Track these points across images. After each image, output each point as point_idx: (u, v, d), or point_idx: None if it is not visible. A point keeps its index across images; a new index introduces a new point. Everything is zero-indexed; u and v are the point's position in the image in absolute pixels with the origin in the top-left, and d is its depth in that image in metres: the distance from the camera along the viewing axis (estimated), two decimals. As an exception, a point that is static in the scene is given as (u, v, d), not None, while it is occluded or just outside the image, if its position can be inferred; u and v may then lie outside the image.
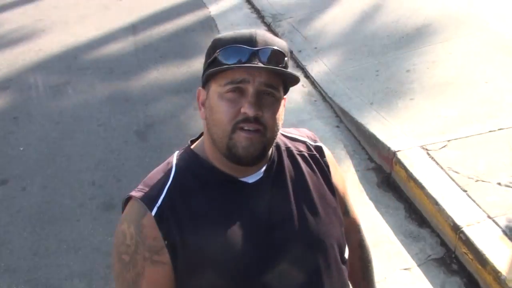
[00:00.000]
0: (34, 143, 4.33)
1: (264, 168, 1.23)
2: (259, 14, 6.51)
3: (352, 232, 1.46)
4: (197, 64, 5.36)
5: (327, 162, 1.35)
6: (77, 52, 5.94)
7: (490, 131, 3.44)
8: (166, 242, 1.13)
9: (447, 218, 2.82)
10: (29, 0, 7.89)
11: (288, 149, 1.31)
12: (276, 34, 5.84)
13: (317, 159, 1.34)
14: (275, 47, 1.14)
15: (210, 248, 1.15)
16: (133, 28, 6.49)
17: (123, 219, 1.18)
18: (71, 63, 5.70)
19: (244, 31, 1.16)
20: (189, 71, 5.24)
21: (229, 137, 1.13)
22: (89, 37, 6.33)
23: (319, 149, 1.37)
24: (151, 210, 1.14)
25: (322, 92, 4.53)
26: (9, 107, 4.98)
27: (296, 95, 4.58)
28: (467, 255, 2.68)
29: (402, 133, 3.60)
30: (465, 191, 2.98)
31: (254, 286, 1.18)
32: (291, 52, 5.29)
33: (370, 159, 3.65)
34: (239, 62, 1.11)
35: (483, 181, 3.03)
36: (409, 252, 2.85)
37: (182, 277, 1.16)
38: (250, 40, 1.13)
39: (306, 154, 1.33)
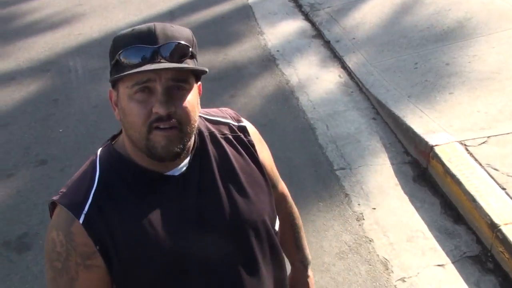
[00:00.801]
0: (72, 125, 4.42)
1: (188, 158, 1.23)
2: (297, 3, 6.46)
3: (282, 203, 1.53)
4: (234, 52, 5.37)
5: (252, 141, 1.35)
6: (115, 37, 6.03)
7: (532, 129, 3.36)
8: (97, 247, 1.13)
9: (484, 215, 2.77)
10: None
11: (211, 134, 1.30)
12: (313, 24, 5.80)
13: (241, 139, 1.34)
14: (178, 41, 1.12)
15: (142, 248, 1.15)
16: (171, 15, 6.53)
17: (51, 227, 1.17)
18: (108, 48, 5.78)
19: (143, 26, 1.13)
20: (226, 59, 5.26)
21: (146, 138, 1.11)
22: (127, 23, 6.40)
23: (243, 129, 1.36)
24: (79, 217, 1.13)
25: (359, 83, 4.49)
26: (49, 89, 5.10)
27: (333, 86, 4.56)
28: (504, 254, 2.63)
29: (440, 127, 3.54)
30: (504, 189, 2.92)
31: (190, 277, 1.20)
32: (329, 42, 5.25)
33: (406, 152, 3.60)
34: (143, 60, 1.09)
35: (523, 179, 2.97)
36: (443, 249, 2.82)
37: (119, 278, 1.17)
38: (150, 37, 1.10)
39: (230, 136, 1.33)
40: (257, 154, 1.35)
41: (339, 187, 3.35)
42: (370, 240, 2.92)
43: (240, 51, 5.40)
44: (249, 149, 1.34)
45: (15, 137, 4.36)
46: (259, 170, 1.33)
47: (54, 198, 1.19)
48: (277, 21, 6.07)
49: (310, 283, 1.64)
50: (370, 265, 2.77)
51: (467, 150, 3.26)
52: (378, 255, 2.82)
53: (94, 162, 1.22)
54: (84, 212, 1.14)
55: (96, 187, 1.17)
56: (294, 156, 3.67)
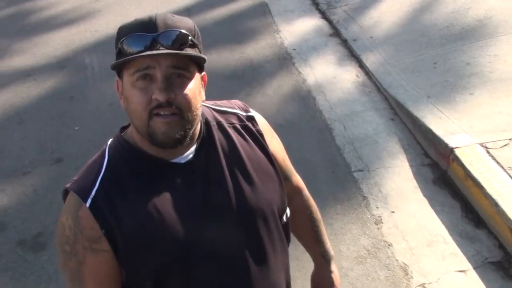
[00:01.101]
0: (88, 123, 4.41)
1: (194, 146, 1.24)
2: (313, 1, 6.40)
3: (297, 196, 1.53)
4: (250, 50, 5.33)
5: (260, 131, 1.36)
6: (131, 34, 6.01)
7: (556, 131, 3.28)
8: (103, 231, 1.16)
9: (507, 220, 2.71)
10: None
11: (218, 123, 1.31)
12: (330, 22, 5.73)
13: (249, 129, 1.34)
14: (177, 30, 1.14)
15: (147, 233, 1.17)
16: (188, 11, 6.50)
17: (62, 212, 1.22)
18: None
19: (145, 16, 1.16)
20: (242, 57, 5.22)
21: (147, 125, 1.14)
22: (143, 19, 6.39)
23: (251, 119, 1.37)
24: (86, 201, 1.17)
25: (376, 83, 4.43)
26: (65, 86, 5.10)
27: (350, 85, 4.50)
28: (527, 260, 2.57)
29: (460, 129, 3.47)
30: (527, 193, 2.85)
31: (196, 263, 1.21)
32: (346, 41, 5.19)
33: (426, 154, 3.54)
34: (145, 47, 1.11)
35: (547, 184, 2.90)
36: (464, 254, 2.76)
37: (126, 263, 1.19)
38: (150, 25, 1.13)
39: (238, 125, 1.34)
40: (266, 143, 1.35)
41: (356, 189, 3.30)
42: (389, 245, 2.87)
43: (256, 49, 5.35)
44: (257, 138, 1.34)
45: (31, 134, 4.37)
46: (268, 159, 1.33)
47: (66, 185, 1.23)
48: (293, 19, 6.02)
49: (334, 279, 1.60)
50: (389, 270, 2.72)
51: (488, 152, 3.20)
52: (397, 260, 2.77)
53: (103, 151, 1.27)
54: (91, 196, 1.17)
55: (104, 173, 1.21)
56: (311, 157, 3.62)
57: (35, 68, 5.52)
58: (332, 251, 1.61)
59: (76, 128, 4.37)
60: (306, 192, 1.57)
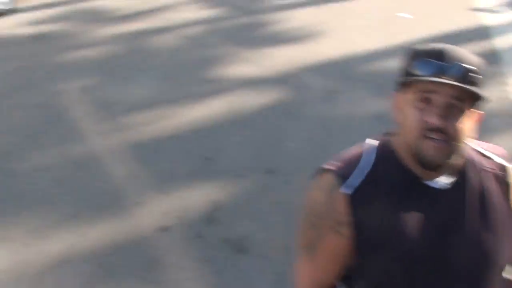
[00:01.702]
0: (300, 142, 4.57)
1: (450, 177, 1.30)
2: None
3: None
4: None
5: (510, 183, 1.36)
6: (353, 62, 6.11)
7: None
8: (351, 219, 1.28)
9: None
10: (318, 2, 8.36)
11: (476, 164, 1.35)
12: None
13: (503, 179, 1.36)
14: (465, 64, 1.21)
15: (388, 236, 1.27)
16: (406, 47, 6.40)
17: (317, 187, 1.35)
18: (345, 71, 5.89)
19: (437, 45, 1.27)
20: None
21: (417, 144, 1.23)
22: (367, 49, 6.45)
23: (506, 169, 1.38)
24: (346, 188, 1.29)
25: None
26: (283, 101, 5.34)
27: None
28: None
29: None
30: None
31: (419, 282, 1.27)
32: None
33: None
34: (431, 74, 1.20)
35: None
36: None
37: (358, 255, 1.30)
38: (440, 55, 1.23)
39: (494, 172, 1.36)
40: None
41: None
42: None
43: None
44: (508, 191, 1.36)
45: (248, 140, 4.65)
46: (510, 213, 1.35)
47: (327, 166, 1.36)
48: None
49: None
50: None
51: None
52: None
53: (369, 149, 1.37)
54: (353, 185, 1.30)
55: (371, 169, 1.32)
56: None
57: (259, 78, 5.87)
58: None
59: (290, 144, 4.55)
60: None
